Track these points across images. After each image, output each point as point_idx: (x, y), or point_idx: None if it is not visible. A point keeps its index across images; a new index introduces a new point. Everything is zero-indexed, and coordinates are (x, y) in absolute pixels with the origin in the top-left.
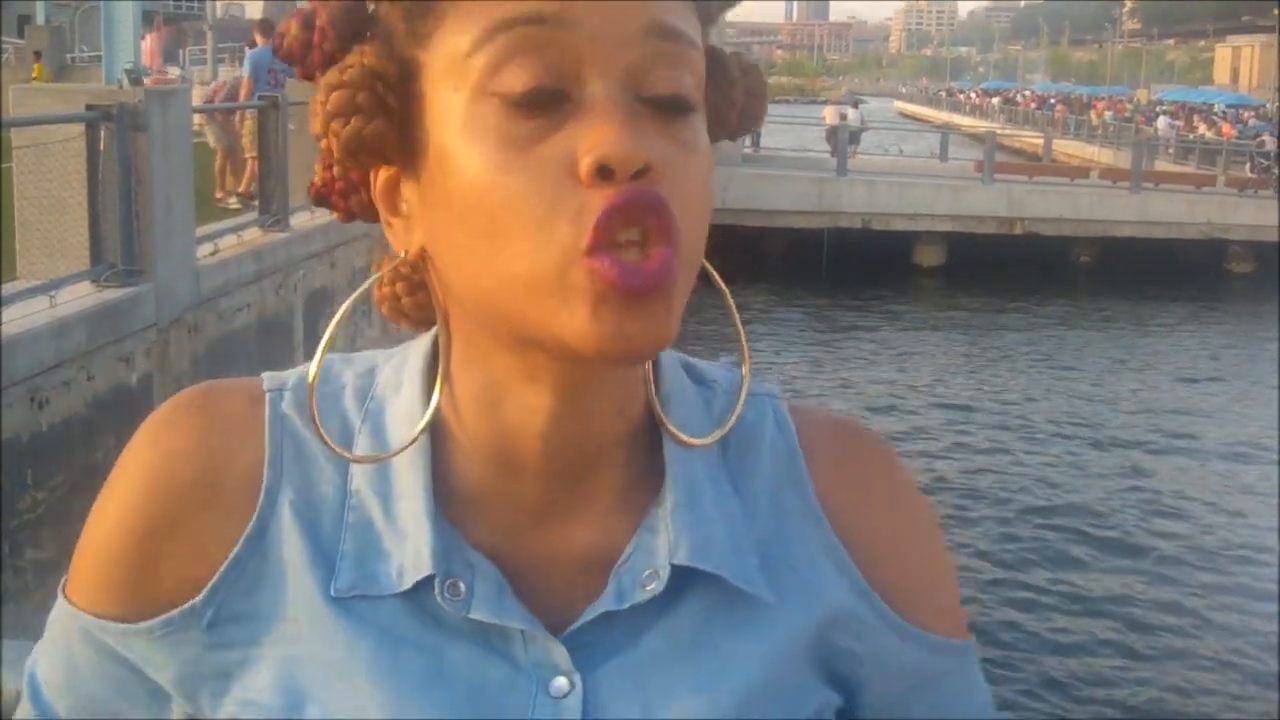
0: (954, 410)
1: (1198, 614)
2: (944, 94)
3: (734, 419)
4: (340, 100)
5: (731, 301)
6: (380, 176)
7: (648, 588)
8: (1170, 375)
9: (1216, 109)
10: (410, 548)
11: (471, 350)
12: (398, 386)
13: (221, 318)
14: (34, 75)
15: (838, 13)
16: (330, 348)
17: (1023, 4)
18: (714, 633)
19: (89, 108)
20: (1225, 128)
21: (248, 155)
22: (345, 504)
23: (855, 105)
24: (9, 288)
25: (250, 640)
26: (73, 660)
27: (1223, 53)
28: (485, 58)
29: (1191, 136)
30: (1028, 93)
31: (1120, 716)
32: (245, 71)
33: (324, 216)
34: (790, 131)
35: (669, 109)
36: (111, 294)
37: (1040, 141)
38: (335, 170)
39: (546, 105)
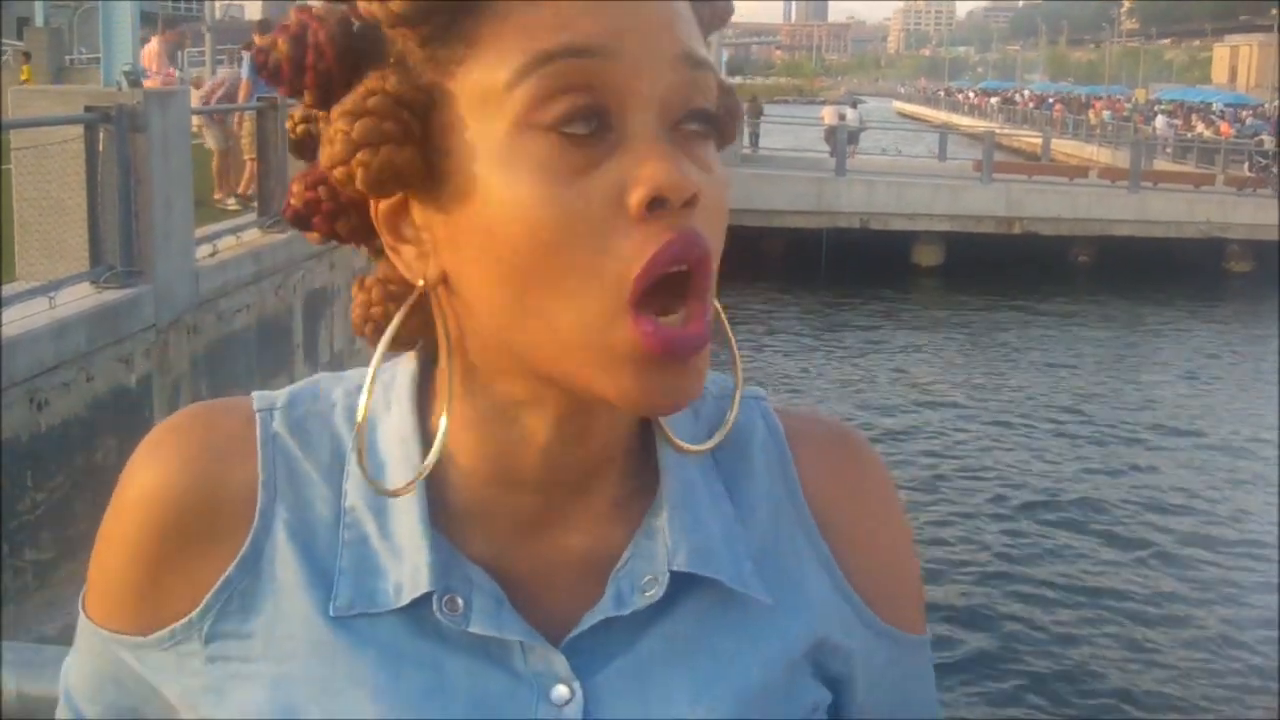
0: (953, 409)
1: (1198, 609)
2: (942, 94)
3: (729, 424)
4: (367, 129)
5: (718, 304)
6: (384, 203)
7: (647, 593)
8: (1169, 374)
9: (1215, 108)
10: (408, 564)
11: (475, 374)
12: (387, 405)
13: (221, 319)
14: (23, 76)
15: (836, 13)
16: (372, 385)
17: (1021, 4)
18: (711, 635)
19: (88, 109)
20: (1223, 127)
21: (246, 157)
22: (340, 522)
23: (854, 105)
24: (8, 289)
25: (245, 657)
26: (97, 669)
27: (1221, 52)
28: (528, 91)
29: (1190, 136)
30: (1026, 92)
31: (1121, 710)
32: (244, 73)
33: None
34: (789, 132)
35: (698, 135)
36: (111, 295)
37: (1039, 141)
38: (321, 191)
39: (591, 137)
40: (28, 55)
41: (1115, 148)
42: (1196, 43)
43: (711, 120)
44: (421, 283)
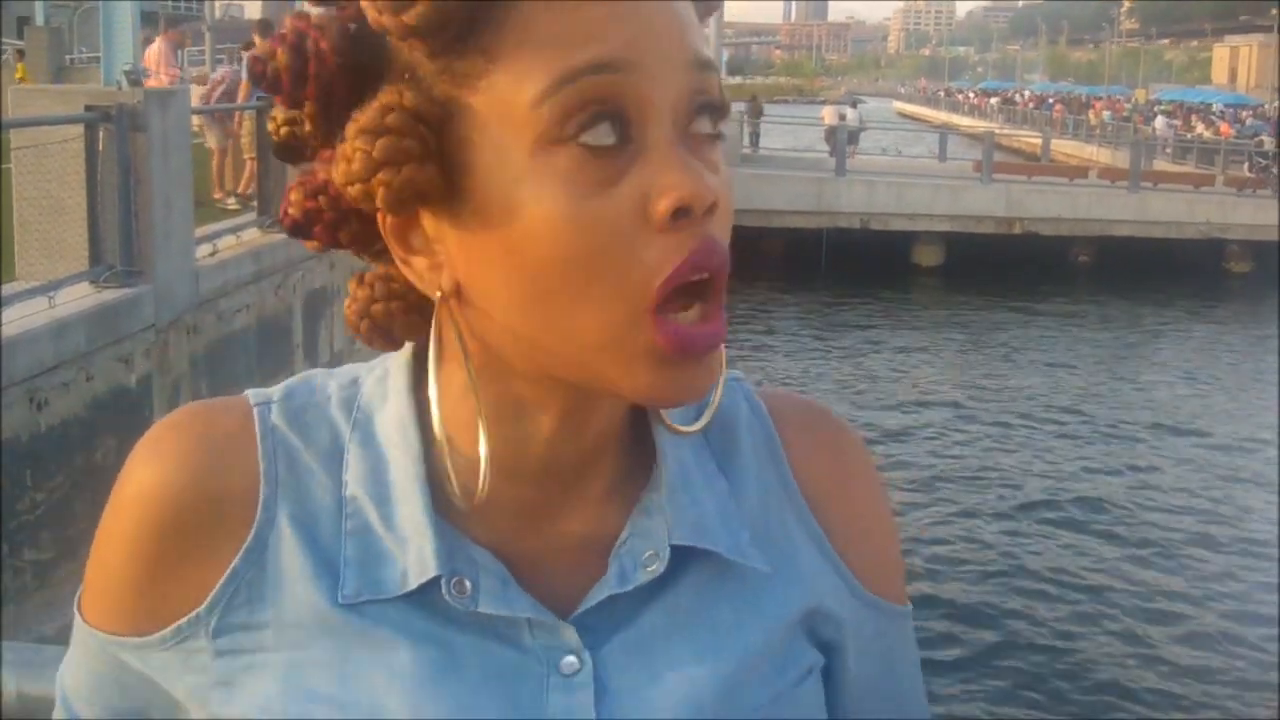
0: (953, 409)
1: (1198, 608)
2: (942, 94)
3: (715, 404)
4: (389, 148)
5: None
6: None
7: (649, 568)
8: (1169, 374)
9: (1214, 109)
10: (413, 550)
11: (482, 375)
12: (384, 397)
13: (221, 318)
14: (18, 75)
15: (836, 13)
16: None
17: (1021, 4)
18: (711, 606)
19: (88, 109)
20: (1223, 127)
21: (246, 156)
22: (342, 511)
23: (854, 105)
24: (8, 288)
25: (255, 648)
26: (94, 671)
27: (1220, 52)
28: (554, 109)
29: (1190, 136)
30: (1026, 93)
31: (1121, 708)
32: (245, 73)
33: None
34: (789, 132)
35: (708, 138)
36: (110, 295)
37: (1039, 141)
38: (323, 200)
39: (613, 149)
40: (21, 53)
41: (1115, 148)
42: (1196, 43)
43: (718, 116)
44: (439, 294)
